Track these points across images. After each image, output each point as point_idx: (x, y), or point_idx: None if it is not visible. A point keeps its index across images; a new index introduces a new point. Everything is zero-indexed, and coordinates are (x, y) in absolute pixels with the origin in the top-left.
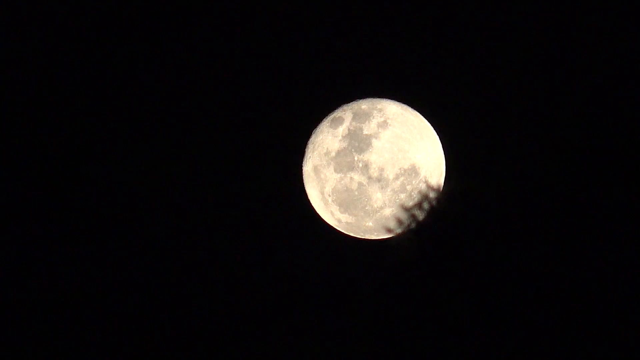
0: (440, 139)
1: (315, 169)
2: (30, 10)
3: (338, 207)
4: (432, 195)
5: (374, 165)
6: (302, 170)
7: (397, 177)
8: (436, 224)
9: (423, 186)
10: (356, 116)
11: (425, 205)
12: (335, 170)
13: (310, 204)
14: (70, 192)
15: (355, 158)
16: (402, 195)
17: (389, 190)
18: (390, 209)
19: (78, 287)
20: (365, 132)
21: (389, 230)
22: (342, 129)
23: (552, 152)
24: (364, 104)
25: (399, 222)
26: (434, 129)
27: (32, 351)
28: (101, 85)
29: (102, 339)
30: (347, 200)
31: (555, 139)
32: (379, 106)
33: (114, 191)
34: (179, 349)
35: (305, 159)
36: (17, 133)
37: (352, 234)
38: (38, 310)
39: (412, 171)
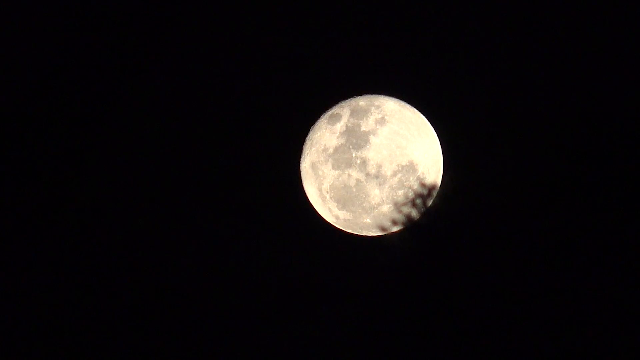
0: (438, 136)
1: (313, 166)
2: (30, 10)
3: (336, 204)
4: (429, 192)
5: (372, 162)
6: (299, 167)
7: (394, 174)
8: (433, 220)
9: (421, 183)
10: (354, 113)
11: (423, 202)
12: (333, 167)
13: (308, 200)
14: (69, 193)
15: (353, 155)
16: (400, 192)
17: (386, 187)
18: (388, 206)
19: (78, 287)
20: (363, 128)
21: (387, 227)
22: (339, 126)
23: (550, 149)
24: (362, 101)
25: (397, 219)
26: (432, 126)
27: (31, 351)
28: (97, 85)
29: (102, 339)
30: (345, 197)
31: (554, 136)
32: (376, 103)
33: (109, 190)
34: (176, 349)
35: (303, 156)
36: (16, 133)
37: (350, 231)
38: (37, 311)
39: (410, 168)
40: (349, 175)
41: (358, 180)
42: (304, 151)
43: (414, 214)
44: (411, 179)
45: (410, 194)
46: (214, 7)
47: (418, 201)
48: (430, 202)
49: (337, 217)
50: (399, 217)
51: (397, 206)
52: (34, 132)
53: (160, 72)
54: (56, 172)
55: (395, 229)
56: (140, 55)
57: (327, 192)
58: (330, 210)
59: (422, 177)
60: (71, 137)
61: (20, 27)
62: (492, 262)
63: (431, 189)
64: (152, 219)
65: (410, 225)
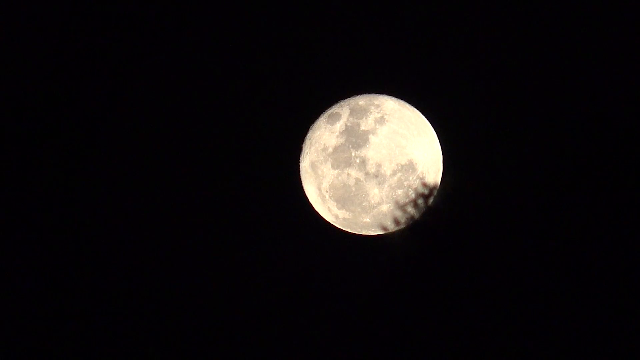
0: (437, 135)
1: (313, 165)
2: (30, 10)
3: (335, 203)
4: (429, 191)
5: (371, 161)
6: (299, 166)
7: (394, 173)
8: (433, 220)
9: (420, 182)
10: (353, 112)
11: (422, 201)
12: (333, 167)
13: (308, 200)
14: (68, 192)
15: (353, 154)
16: (399, 191)
17: (386, 186)
18: (388, 205)
19: (78, 287)
20: (362, 128)
21: (386, 227)
22: (339, 125)
23: (550, 148)
24: (362, 100)
25: (396, 218)
26: (432, 125)
27: (31, 351)
28: (96, 84)
29: (102, 339)
30: (345, 197)
31: (553, 135)
32: (376, 102)
33: (107, 189)
34: (176, 349)
35: (302, 155)
36: (16, 133)
37: (349, 230)
38: (37, 311)
39: (410, 167)
40: (349, 174)
41: (357, 180)
42: (303, 150)
43: (414, 213)
44: (411, 178)
45: (410, 193)
46: (213, 6)
47: (417, 201)
48: (429, 202)
49: (336, 217)
50: (398, 216)
51: (397, 205)
52: (33, 132)
53: (159, 72)
54: (56, 172)
55: (395, 228)
56: (139, 55)
57: (327, 191)
58: (329, 209)
59: (421, 176)
60: (70, 137)
61: (20, 27)
62: (492, 261)
63: (431, 188)
64: (151, 219)
65: (409, 225)
